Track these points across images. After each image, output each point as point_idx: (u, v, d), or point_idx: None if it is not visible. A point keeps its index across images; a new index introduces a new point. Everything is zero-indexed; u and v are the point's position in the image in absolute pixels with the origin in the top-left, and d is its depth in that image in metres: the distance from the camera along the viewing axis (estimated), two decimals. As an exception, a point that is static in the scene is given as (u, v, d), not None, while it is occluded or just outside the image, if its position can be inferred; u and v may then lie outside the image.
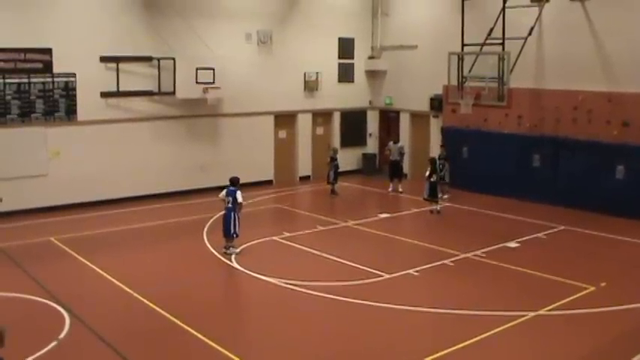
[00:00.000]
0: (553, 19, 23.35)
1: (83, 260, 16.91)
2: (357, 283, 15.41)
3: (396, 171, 26.21)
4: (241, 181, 17.91)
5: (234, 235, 17.56)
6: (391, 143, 26.57)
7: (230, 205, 17.40)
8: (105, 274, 15.81)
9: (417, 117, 28.93)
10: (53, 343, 11.91)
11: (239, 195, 17.48)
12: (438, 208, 22.59)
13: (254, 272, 16.06)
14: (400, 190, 25.87)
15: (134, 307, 13.96)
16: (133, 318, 13.48)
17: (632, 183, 21.47)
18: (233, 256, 17.25)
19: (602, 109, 22.27)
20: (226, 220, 17.50)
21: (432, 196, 22.56)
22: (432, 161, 22.96)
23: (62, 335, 12.32)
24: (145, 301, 14.10)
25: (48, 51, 21.68)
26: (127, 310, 13.88)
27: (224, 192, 17.60)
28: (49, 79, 21.83)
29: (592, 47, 22.54)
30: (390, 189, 26.11)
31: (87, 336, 12.41)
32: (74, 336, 12.37)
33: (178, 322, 12.96)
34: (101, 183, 22.87)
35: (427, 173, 22.57)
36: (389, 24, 29.76)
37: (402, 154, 26.27)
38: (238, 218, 17.52)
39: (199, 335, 12.37)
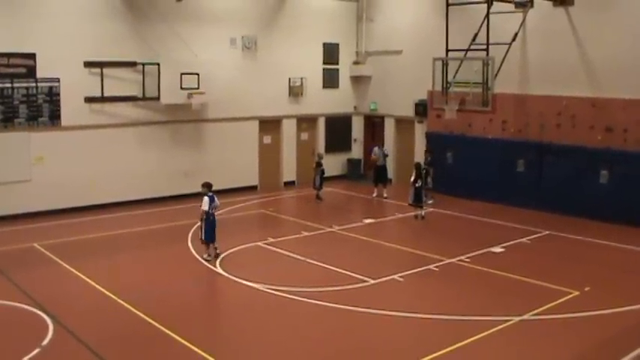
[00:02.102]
0: (537, 24, 23.46)
1: (67, 266, 16.82)
2: (341, 288, 15.40)
3: (381, 176, 26.24)
4: (226, 187, 18.02)
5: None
6: (376, 148, 26.61)
7: (212, 211, 17.54)
8: (89, 280, 15.73)
9: (401, 122, 28.98)
10: (36, 350, 11.82)
11: (216, 199, 17.73)
12: (423, 214, 22.62)
13: (238, 278, 16.02)
14: (385, 195, 25.89)
15: (118, 313, 13.88)
16: (117, 324, 13.39)
17: (616, 188, 21.58)
18: (217, 261, 17.22)
19: (586, 115, 22.39)
20: (212, 225, 17.55)
21: (417, 202, 22.58)
22: (418, 166, 22.97)
23: (45, 342, 12.24)
24: (129, 307, 14.03)
25: (32, 56, 21.56)
26: (111, 316, 13.79)
27: (207, 200, 17.47)
28: (33, 84, 21.71)
29: (576, 53, 22.67)
30: (374, 194, 26.13)
31: (70, 342, 12.34)
32: (58, 342, 12.30)
33: (162, 328, 12.91)
34: (85, 188, 22.76)
35: (412, 178, 22.58)
36: (373, 29, 29.81)
37: (385, 156, 26.33)
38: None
39: (183, 341, 12.32)
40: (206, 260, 17.43)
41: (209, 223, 17.49)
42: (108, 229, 20.70)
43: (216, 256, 17.62)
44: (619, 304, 14.36)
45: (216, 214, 17.74)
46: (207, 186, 17.71)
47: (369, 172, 28.22)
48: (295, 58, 28.14)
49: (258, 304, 14.58)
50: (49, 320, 13.23)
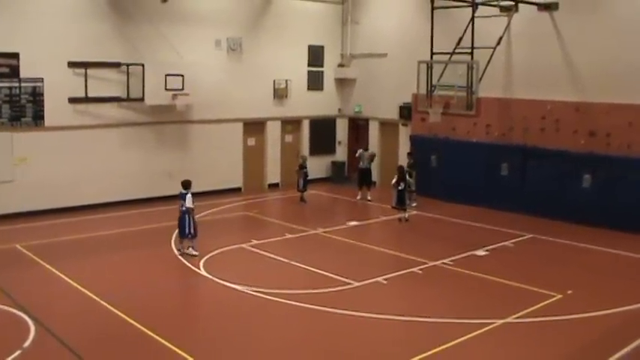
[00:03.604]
0: (522, 28, 23.57)
1: (49, 267, 16.72)
2: (325, 290, 15.39)
3: (365, 178, 26.27)
4: (210, 189, 18.01)
5: (189, 235, 18.05)
6: (361, 150, 26.65)
7: (184, 208, 17.97)
8: (71, 282, 15.64)
9: (386, 125, 29.02)
10: (17, 352, 11.74)
11: (188, 199, 18.02)
12: (407, 216, 22.65)
13: (222, 280, 15.98)
14: (369, 198, 25.92)
15: (100, 314, 13.81)
16: (99, 326, 13.32)
17: (599, 192, 21.69)
18: (201, 262, 17.21)
19: (570, 119, 22.52)
20: (181, 222, 18.05)
21: (400, 204, 22.61)
22: (400, 169, 23.01)
23: (27, 344, 12.15)
24: (112, 308, 13.97)
25: (15, 55, 21.44)
26: (94, 317, 13.72)
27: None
28: (16, 84, 21.57)
29: (560, 57, 22.80)
30: (358, 197, 26.14)
31: (52, 344, 12.27)
32: (39, 344, 12.22)
33: (145, 330, 12.86)
34: (68, 189, 22.65)
35: (394, 181, 22.63)
36: (359, 32, 29.84)
37: (371, 161, 26.38)
38: (193, 219, 18.09)
39: (165, 342, 12.28)
40: (192, 255, 17.79)
41: (178, 220, 18.23)
42: (91, 231, 20.59)
43: (184, 254, 18.07)
44: (601, 307, 14.44)
45: (184, 210, 18.07)
46: (181, 184, 18.36)
47: (353, 175, 28.25)
48: (280, 60, 28.13)
49: (241, 306, 14.55)
50: (30, 322, 13.14)
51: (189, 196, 18.04)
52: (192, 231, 18.04)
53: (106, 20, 23.27)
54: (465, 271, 17.00)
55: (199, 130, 25.90)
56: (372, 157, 26.62)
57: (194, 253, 17.94)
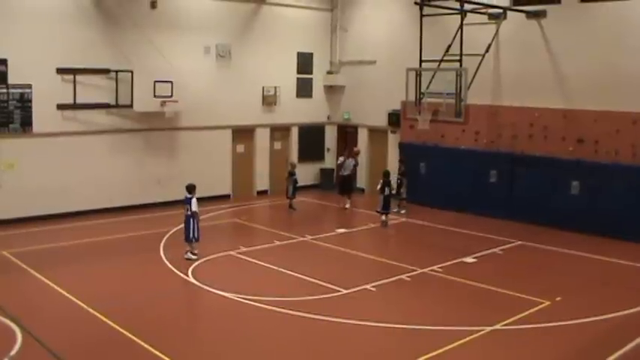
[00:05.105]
0: (510, 36, 23.66)
1: (37, 275, 16.62)
2: (313, 298, 15.37)
3: (346, 186, 26.21)
4: (198, 195, 18.06)
5: (192, 240, 18.23)
6: (342, 158, 26.68)
7: (188, 212, 18.18)
8: (59, 289, 15.56)
9: (375, 132, 29.03)
10: (4, 360, 11.70)
11: (193, 204, 18.22)
12: (384, 219, 22.72)
13: (210, 287, 15.95)
14: (347, 206, 25.81)
15: (88, 322, 13.74)
16: (87, 333, 13.25)
17: (587, 199, 21.75)
18: (190, 270, 17.16)
19: (558, 126, 22.60)
20: (185, 226, 18.30)
21: (386, 209, 22.72)
22: (386, 174, 23.05)
23: (14, 352, 12.09)
24: (100, 316, 13.91)
25: (3, 61, 21.35)
26: (81, 325, 13.65)
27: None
28: (4, 90, 21.46)
29: (548, 64, 22.89)
30: (347, 205, 26.05)
31: (39, 352, 12.20)
32: (26, 352, 12.15)
33: (133, 338, 12.81)
34: (56, 196, 22.54)
35: (379, 187, 22.72)
36: (348, 39, 29.87)
37: (355, 165, 26.39)
38: (197, 224, 18.24)
39: (154, 350, 12.23)
40: (192, 259, 18.09)
41: (184, 223, 18.54)
42: (79, 238, 20.49)
43: (186, 258, 18.24)
44: (590, 313, 14.46)
45: (189, 215, 18.28)
46: (186, 188, 18.56)
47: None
48: (269, 67, 28.11)
49: (228, 314, 14.52)
50: (17, 330, 13.07)
51: (194, 200, 18.25)
52: (196, 235, 18.27)
53: (95, 27, 23.20)
54: (454, 279, 17.00)
55: (188, 137, 25.85)
56: (357, 153, 26.71)
57: (193, 256, 18.14)
